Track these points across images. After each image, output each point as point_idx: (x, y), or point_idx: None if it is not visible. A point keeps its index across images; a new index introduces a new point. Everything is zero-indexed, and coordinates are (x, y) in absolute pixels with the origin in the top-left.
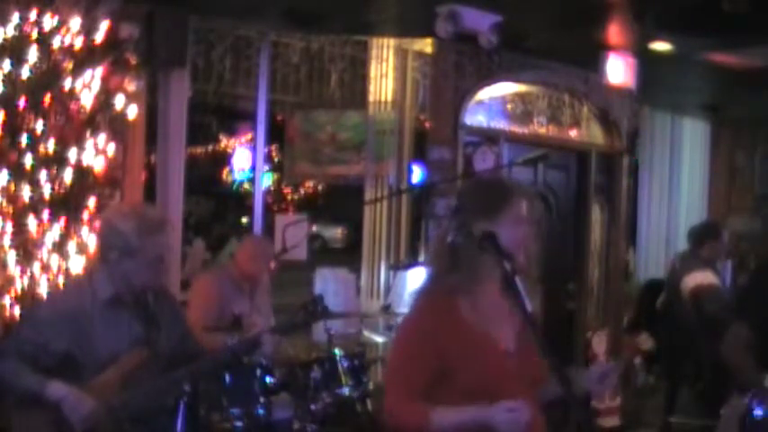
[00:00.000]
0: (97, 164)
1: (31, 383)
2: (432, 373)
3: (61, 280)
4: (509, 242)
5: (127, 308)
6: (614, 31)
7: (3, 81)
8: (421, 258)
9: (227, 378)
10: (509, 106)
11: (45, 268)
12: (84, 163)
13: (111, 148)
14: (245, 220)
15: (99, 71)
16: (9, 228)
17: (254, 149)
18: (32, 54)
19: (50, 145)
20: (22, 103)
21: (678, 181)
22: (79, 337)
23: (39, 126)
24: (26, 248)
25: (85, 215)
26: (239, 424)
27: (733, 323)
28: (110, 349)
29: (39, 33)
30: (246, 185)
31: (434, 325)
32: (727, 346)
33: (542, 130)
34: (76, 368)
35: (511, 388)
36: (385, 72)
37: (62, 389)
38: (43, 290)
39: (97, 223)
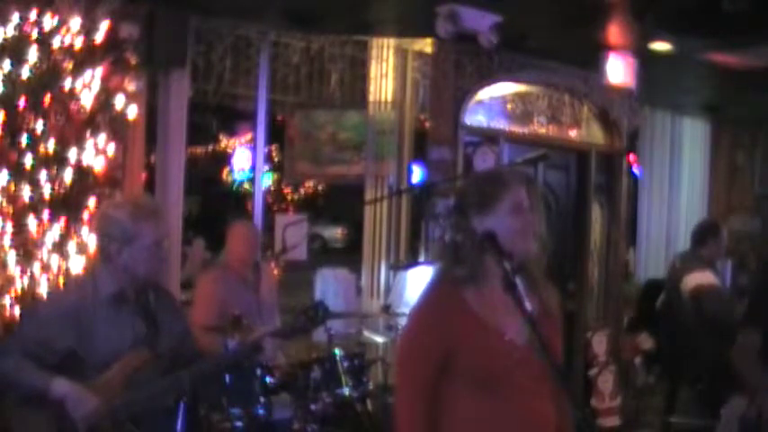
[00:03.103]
0: (97, 164)
1: (35, 380)
2: (437, 363)
3: (61, 280)
4: (510, 232)
5: (129, 307)
6: (614, 31)
7: (3, 81)
8: (421, 258)
9: (227, 378)
10: (509, 106)
11: (45, 268)
12: (84, 163)
13: (111, 148)
14: None
15: (99, 71)
16: (9, 228)
17: (254, 149)
18: (32, 54)
19: (50, 145)
20: (22, 103)
21: (678, 181)
22: (82, 334)
23: (39, 126)
24: (26, 248)
25: (85, 215)
26: (239, 424)
27: (742, 329)
28: (112, 348)
29: (39, 33)
30: (246, 185)
31: (439, 312)
32: (738, 353)
33: (542, 130)
34: (79, 366)
35: (518, 380)
36: (385, 72)
37: (66, 386)
38: (43, 290)
39: (95, 221)
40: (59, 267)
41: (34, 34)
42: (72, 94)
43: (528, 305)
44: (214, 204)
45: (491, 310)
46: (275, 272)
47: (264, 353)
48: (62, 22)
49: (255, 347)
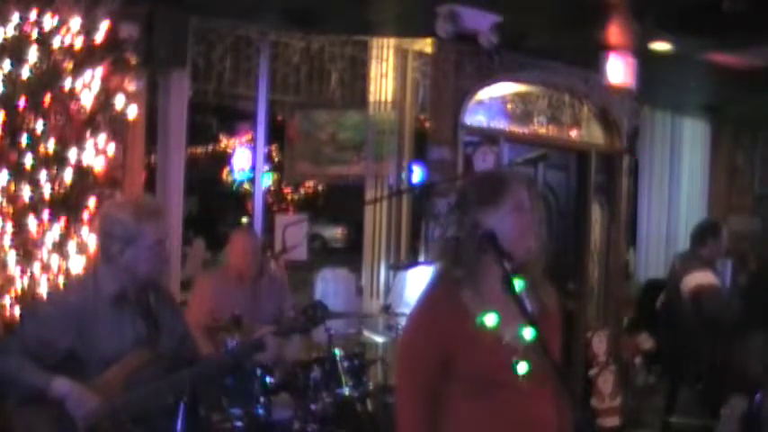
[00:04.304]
0: (97, 164)
1: (36, 379)
2: (437, 366)
3: (61, 280)
4: (512, 230)
5: (130, 306)
6: (614, 31)
7: (3, 81)
8: (421, 258)
9: (227, 378)
10: (509, 106)
11: (45, 268)
12: (84, 163)
13: (111, 148)
14: (245, 220)
15: (99, 71)
16: (9, 228)
17: (254, 149)
18: (32, 54)
19: (50, 145)
20: (22, 103)
21: (678, 181)
22: (83, 334)
23: (39, 126)
24: (26, 248)
25: (85, 215)
26: (239, 424)
27: (744, 333)
28: (113, 348)
29: (39, 33)
30: (246, 185)
31: (438, 314)
32: (751, 354)
33: (542, 130)
34: (80, 366)
35: (517, 382)
36: (385, 72)
37: (67, 385)
38: (43, 290)
39: (96, 222)
40: (59, 267)
41: (34, 34)
42: (72, 94)
43: (528, 305)
44: (214, 204)
45: (488, 310)
46: (282, 275)
47: (266, 351)
48: (62, 22)
49: (257, 346)
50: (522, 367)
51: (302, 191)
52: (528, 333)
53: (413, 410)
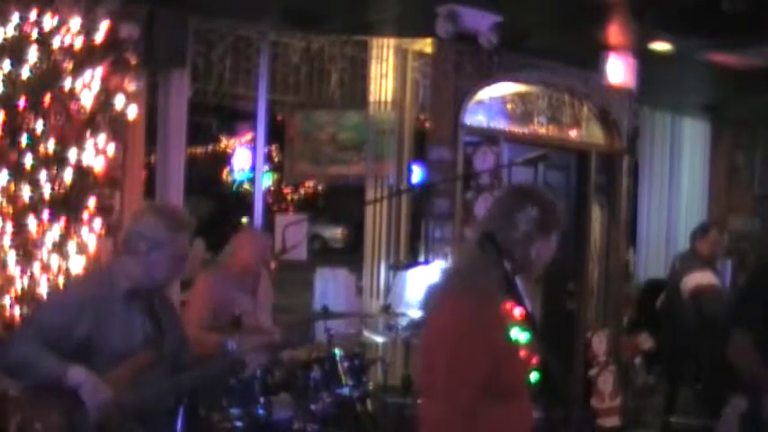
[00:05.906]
0: (97, 164)
1: (53, 366)
2: (482, 377)
3: (61, 280)
4: (548, 255)
5: (139, 305)
6: (614, 31)
7: (3, 81)
8: (421, 258)
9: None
10: (509, 106)
11: (45, 268)
12: (84, 163)
13: (111, 148)
14: (245, 220)
15: (99, 71)
16: (9, 228)
17: (254, 149)
18: (32, 54)
19: (50, 145)
20: (22, 103)
21: (678, 181)
22: (99, 323)
23: (39, 126)
24: (26, 248)
25: (85, 215)
26: (239, 424)
27: (733, 329)
28: (125, 342)
29: (39, 33)
30: (246, 185)
31: (485, 325)
32: (733, 352)
33: (542, 130)
34: (91, 358)
35: (527, 389)
36: (385, 72)
37: (83, 374)
38: (43, 290)
39: (98, 222)
40: (59, 267)
41: (34, 34)
42: (72, 94)
43: (529, 306)
44: (214, 204)
45: (510, 321)
46: (272, 271)
47: (247, 368)
48: (62, 22)
49: (238, 364)
50: (534, 374)
51: (302, 191)
52: (531, 337)
53: (455, 425)
